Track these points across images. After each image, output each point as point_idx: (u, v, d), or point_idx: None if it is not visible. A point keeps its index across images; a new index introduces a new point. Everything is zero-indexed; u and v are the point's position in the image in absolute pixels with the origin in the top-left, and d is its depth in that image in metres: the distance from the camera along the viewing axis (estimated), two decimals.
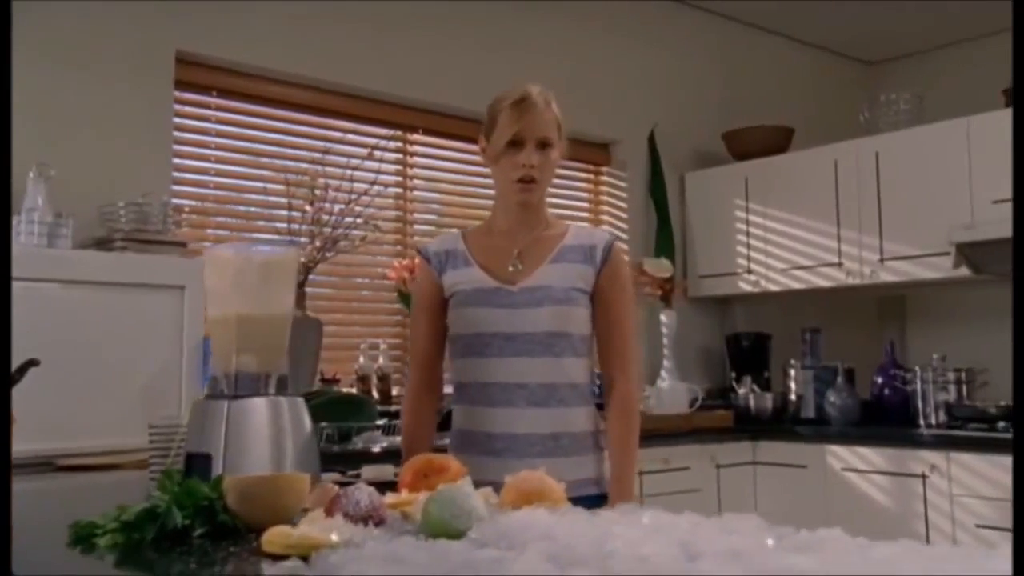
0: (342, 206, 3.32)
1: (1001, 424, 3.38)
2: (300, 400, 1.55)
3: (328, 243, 3.29)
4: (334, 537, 1.01)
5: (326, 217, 3.28)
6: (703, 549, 0.86)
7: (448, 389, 2.09)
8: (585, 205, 4.44)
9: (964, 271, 3.49)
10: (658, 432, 3.60)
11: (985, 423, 3.40)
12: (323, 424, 2.76)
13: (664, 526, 0.98)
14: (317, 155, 3.44)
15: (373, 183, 3.47)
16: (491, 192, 4.16)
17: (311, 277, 3.32)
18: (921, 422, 3.64)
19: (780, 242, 4.14)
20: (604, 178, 4.47)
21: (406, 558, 0.92)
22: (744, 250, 4.25)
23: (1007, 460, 3.09)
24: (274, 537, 1.03)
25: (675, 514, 1.05)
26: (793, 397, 4.08)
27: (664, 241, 4.37)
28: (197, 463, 1.44)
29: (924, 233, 3.62)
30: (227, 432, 1.43)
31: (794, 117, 4.54)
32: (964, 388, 3.63)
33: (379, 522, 1.10)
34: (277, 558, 0.99)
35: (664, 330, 4.17)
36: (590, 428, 1.93)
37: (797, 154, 4.18)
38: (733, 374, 4.27)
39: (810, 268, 4.03)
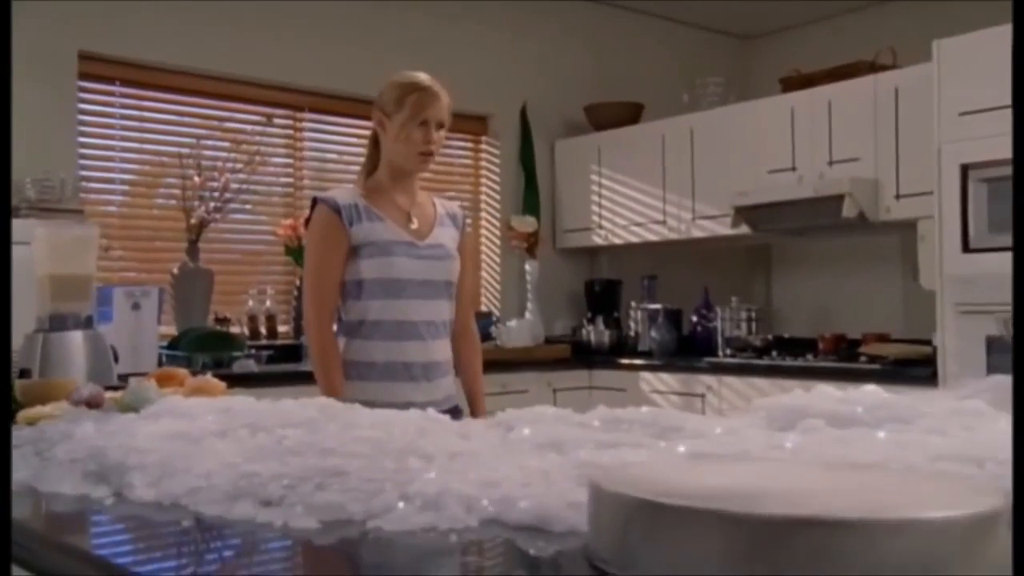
0: (228, 175, 4.04)
1: (774, 353, 4.13)
2: (100, 332, 2.30)
3: (217, 207, 4.01)
4: (56, 412, 1.75)
5: (213, 184, 4.00)
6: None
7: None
8: (467, 171, 5.13)
9: (745, 229, 4.18)
10: (503, 362, 4.35)
11: (754, 352, 4.15)
12: (198, 353, 3.53)
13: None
14: (208, 132, 4.14)
15: (256, 154, 4.17)
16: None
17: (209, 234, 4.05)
18: (720, 353, 4.37)
19: (622, 202, 4.84)
20: (483, 147, 5.14)
21: (80, 420, 1.65)
22: (597, 208, 4.95)
23: (759, 381, 3.85)
24: (23, 413, 1.78)
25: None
26: (632, 333, 4.82)
27: (530, 200, 5.06)
28: (25, 375, 2.19)
29: (722, 197, 4.30)
30: (41, 354, 2.18)
31: (662, 90, 5.15)
32: (754, 325, 4.35)
33: (95, 406, 1.84)
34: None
35: (528, 278, 4.90)
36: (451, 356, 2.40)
37: (637, 127, 4.85)
38: (589, 315, 5.00)
39: (643, 225, 4.74)
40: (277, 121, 4.44)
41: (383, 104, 2.30)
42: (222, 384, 2.01)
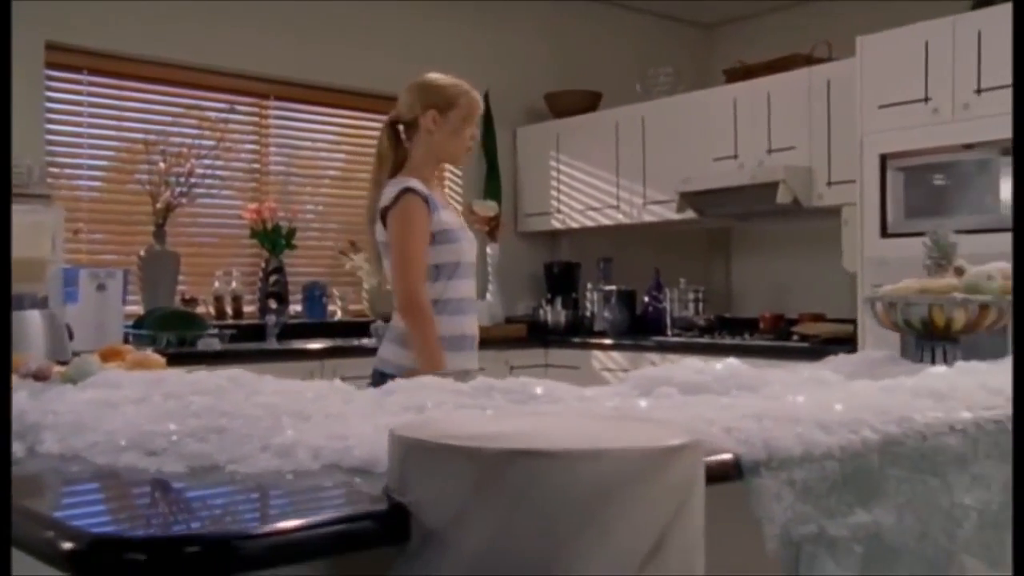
0: (193, 161, 4.20)
1: (717, 333, 4.32)
2: (55, 312, 2.48)
3: (182, 192, 4.17)
4: None
5: (178, 169, 4.16)
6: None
7: None
8: None
9: (691, 214, 4.36)
10: None
11: (698, 331, 4.34)
12: (163, 332, 3.71)
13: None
14: (174, 119, 4.29)
15: (220, 140, 4.33)
16: (341, 146, 4.94)
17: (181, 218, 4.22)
18: (668, 332, 4.56)
19: (579, 187, 5.02)
20: None
21: (20, 388, 1.83)
22: (555, 193, 5.13)
23: (695, 360, 4.02)
24: None
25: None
26: (588, 314, 5.01)
27: (492, 185, 5.23)
28: None
29: (670, 183, 4.47)
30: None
31: (621, 79, 5.29)
32: (701, 305, 4.54)
33: (42, 378, 2.01)
34: None
35: (489, 260, 5.07)
36: None
37: (592, 115, 5.02)
38: (548, 296, 5.18)
39: (598, 210, 4.92)
40: (244, 108, 4.59)
41: (435, 103, 2.51)
42: (162, 359, 2.19)
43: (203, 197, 4.36)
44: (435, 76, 2.61)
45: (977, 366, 1.61)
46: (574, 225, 5.05)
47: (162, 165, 4.13)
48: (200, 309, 4.26)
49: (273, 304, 4.45)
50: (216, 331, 3.97)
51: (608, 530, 0.79)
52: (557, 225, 5.14)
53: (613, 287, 4.84)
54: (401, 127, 2.57)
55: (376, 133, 5.09)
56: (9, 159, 2.54)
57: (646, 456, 0.80)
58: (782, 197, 3.86)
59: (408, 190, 2.43)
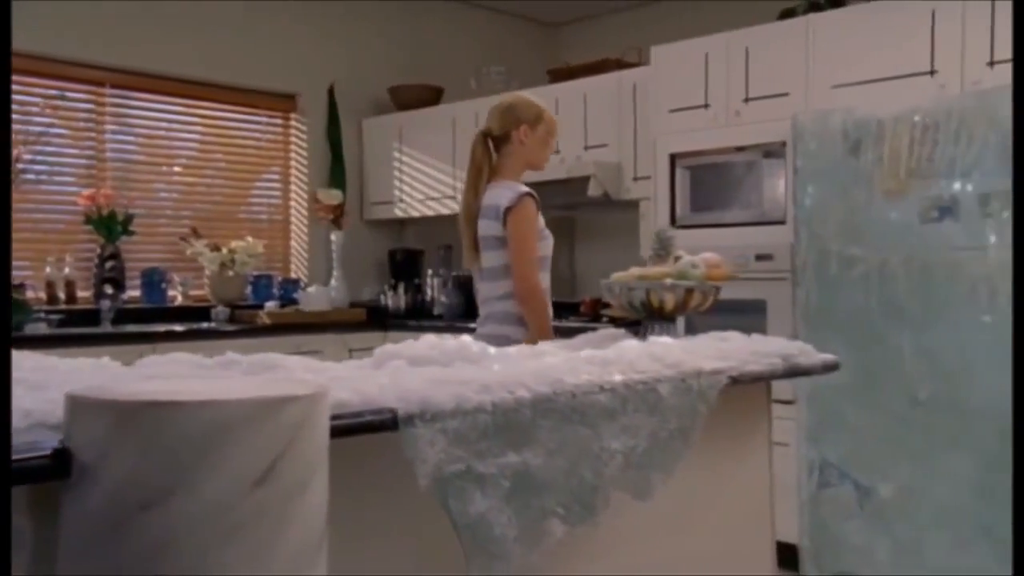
0: (21, 148, 4.20)
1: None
2: None
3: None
4: None
5: None
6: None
7: None
8: (277, 147, 5.39)
9: None
10: (301, 325, 4.69)
11: None
12: None
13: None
14: None
15: (50, 126, 4.35)
16: (191, 135, 4.96)
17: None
18: None
19: (419, 178, 5.23)
20: (292, 123, 5.42)
21: None
22: (398, 183, 5.32)
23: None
24: None
25: None
26: (429, 298, 5.24)
27: (337, 175, 5.39)
28: None
29: None
30: None
31: (464, 74, 5.52)
32: None
33: None
34: None
35: (333, 247, 5.22)
36: None
37: (432, 109, 5.24)
38: (392, 281, 5.38)
39: (437, 199, 5.14)
40: (79, 95, 4.60)
41: (526, 118, 2.86)
42: None
43: (35, 183, 4.37)
44: (519, 96, 2.97)
45: (659, 340, 1.89)
46: (415, 214, 5.26)
47: None
48: (31, 295, 4.27)
49: (109, 289, 4.50)
50: (43, 316, 4.00)
51: (221, 462, 1.00)
52: (400, 214, 5.34)
53: (452, 273, 5.08)
54: (490, 140, 2.89)
55: (226, 122, 5.26)
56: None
57: (250, 404, 1.01)
58: (593, 190, 4.16)
59: (528, 194, 2.75)
